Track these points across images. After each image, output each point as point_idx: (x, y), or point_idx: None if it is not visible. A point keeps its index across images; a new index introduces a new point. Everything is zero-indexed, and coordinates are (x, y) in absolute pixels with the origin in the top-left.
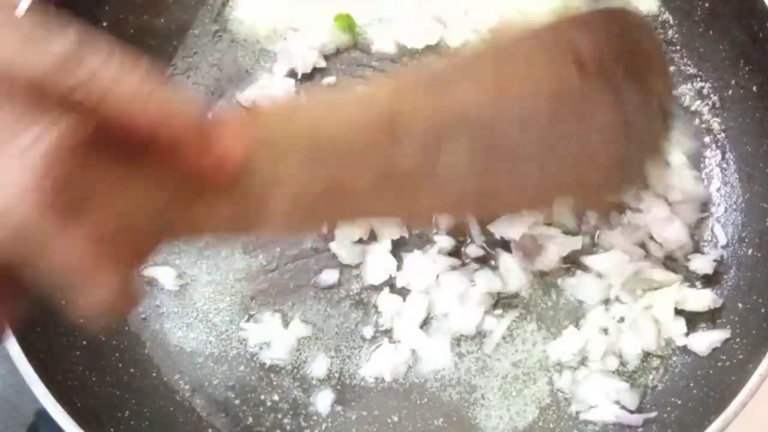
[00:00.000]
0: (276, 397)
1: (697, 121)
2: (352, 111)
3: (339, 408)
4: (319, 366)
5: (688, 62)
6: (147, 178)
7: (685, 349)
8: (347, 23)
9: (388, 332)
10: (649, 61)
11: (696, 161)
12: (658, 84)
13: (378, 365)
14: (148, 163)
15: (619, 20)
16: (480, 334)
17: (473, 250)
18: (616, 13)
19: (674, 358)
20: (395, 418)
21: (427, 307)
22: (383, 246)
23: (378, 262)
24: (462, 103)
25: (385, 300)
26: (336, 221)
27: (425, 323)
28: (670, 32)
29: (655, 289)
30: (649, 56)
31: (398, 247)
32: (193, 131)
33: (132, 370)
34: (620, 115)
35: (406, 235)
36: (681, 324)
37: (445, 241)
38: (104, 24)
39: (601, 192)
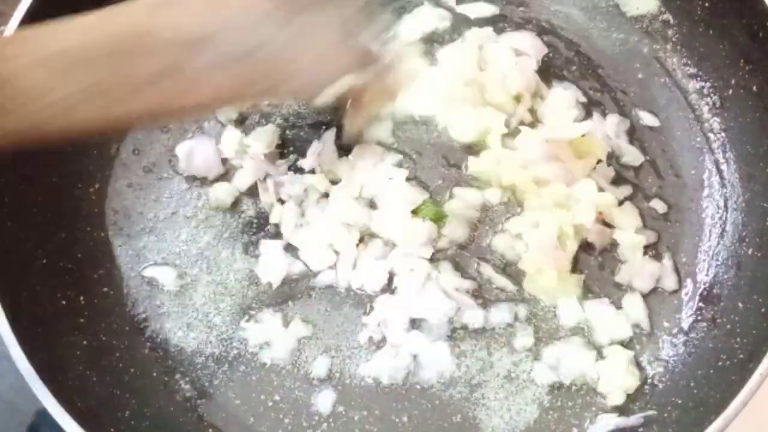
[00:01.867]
0: (277, 397)
1: (697, 121)
2: (109, 26)
3: (340, 408)
4: (319, 366)
5: (688, 62)
6: None
7: (685, 348)
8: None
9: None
10: None
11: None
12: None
13: (377, 368)
14: None
15: None
16: (479, 331)
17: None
18: None
19: (675, 358)
20: (396, 419)
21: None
22: (375, 249)
23: (371, 269)
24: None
25: (380, 304)
26: (110, 120)
27: (419, 325)
28: (670, 32)
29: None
30: None
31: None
32: None
33: (132, 370)
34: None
35: None
36: None
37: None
38: None
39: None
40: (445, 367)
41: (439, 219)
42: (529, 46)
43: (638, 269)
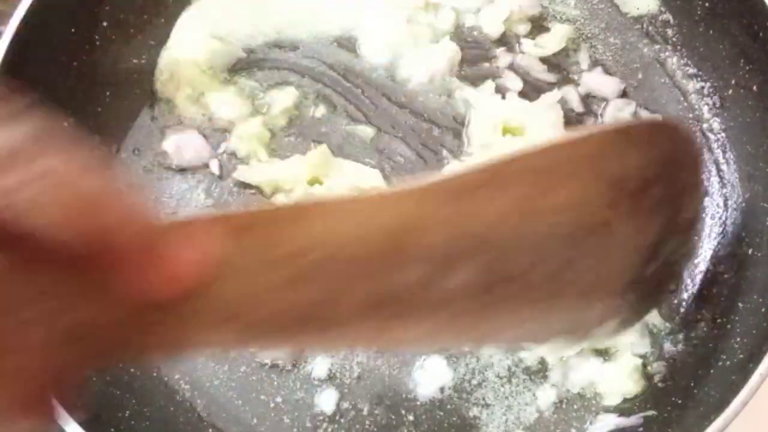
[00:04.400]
0: (278, 398)
1: (697, 121)
2: (357, 219)
3: (343, 406)
4: (320, 366)
5: (688, 62)
6: (83, 293)
7: (685, 348)
8: None
9: None
10: (685, 182)
11: None
12: (688, 206)
13: (378, 370)
14: (80, 277)
15: (666, 136)
16: None
17: None
18: (666, 126)
19: (675, 358)
20: (397, 419)
21: None
22: None
23: None
24: (482, 220)
25: None
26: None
27: None
28: (670, 32)
29: None
30: (686, 176)
31: None
32: (143, 240)
33: (132, 370)
34: (640, 244)
35: None
36: None
37: None
38: (104, 24)
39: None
40: (444, 381)
41: None
42: None
43: None
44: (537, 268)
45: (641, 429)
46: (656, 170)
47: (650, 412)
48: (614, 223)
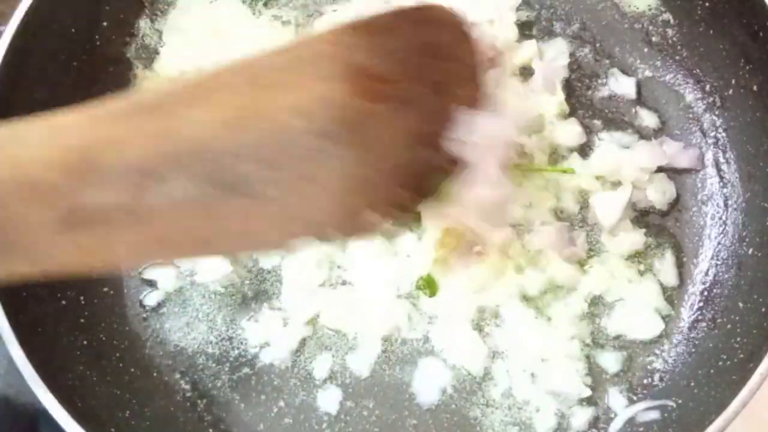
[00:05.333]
0: (278, 397)
1: (697, 121)
2: (27, 148)
3: (347, 405)
4: (320, 365)
5: (689, 62)
6: None
7: (685, 348)
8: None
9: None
10: (463, 70)
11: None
12: (466, 92)
13: (378, 370)
14: None
15: (418, 21)
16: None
17: None
18: (414, 12)
19: (675, 358)
20: (397, 418)
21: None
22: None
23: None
24: (191, 133)
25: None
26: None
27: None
28: (670, 32)
29: None
30: (463, 63)
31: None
32: None
33: (132, 370)
34: (403, 130)
35: None
36: None
37: None
38: (104, 24)
39: (357, 222)
40: (445, 382)
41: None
42: None
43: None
44: (271, 174)
45: (641, 429)
46: (419, 58)
47: (651, 413)
48: (372, 119)
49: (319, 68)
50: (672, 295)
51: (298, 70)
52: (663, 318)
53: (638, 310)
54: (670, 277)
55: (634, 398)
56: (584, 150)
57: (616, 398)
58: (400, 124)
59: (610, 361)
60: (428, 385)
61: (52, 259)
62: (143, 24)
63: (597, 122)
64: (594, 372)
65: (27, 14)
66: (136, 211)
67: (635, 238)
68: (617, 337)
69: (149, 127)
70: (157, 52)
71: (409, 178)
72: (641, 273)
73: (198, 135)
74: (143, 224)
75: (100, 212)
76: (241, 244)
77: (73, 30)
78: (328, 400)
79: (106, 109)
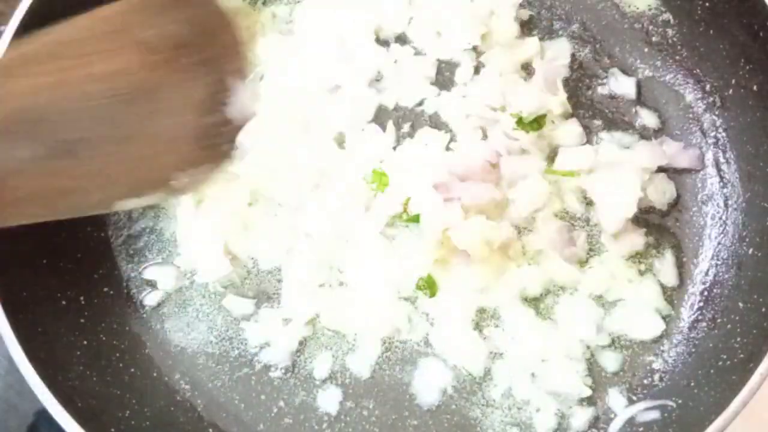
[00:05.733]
0: (277, 396)
1: (697, 121)
2: None
3: (347, 405)
4: (320, 366)
5: (689, 62)
6: None
7: (685, 348)
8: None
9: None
10: (222, 45)
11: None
12: (230, 66)
13: (378, 371)
14: None
15: (184, 4)
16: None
17: None
18: None
19: (675, 358)
20: (397, 419)
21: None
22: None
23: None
24: (26, 96)
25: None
26: None
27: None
28: (670, 32)
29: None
30: (222, 40)
31: None
32: None
33: (132, 370)
34: (190, 98)
35: None
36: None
37: None
38: None
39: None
40: (445, 383)
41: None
42: None
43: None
44: (95, 133)
45: (641, 429)
46: (189, 33)
47: (651, 413)
48: (158, 84)
49: (113, 42)
50: (672, 295)
51: (99, 43)
52: (663, 318)
53: (639, 310)
54: (670, 277)
55: (634, 398)
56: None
57: (616, 398)
58: (187, 91)
59: (610, 360)
60: (428, 385)
61: None
62: None
63: (597, 122)
64: (594, 372)
65: (27, 14)
66: None
67: (635, 238)
68: (618, 337)
69: None
70: None
71: (204, 139)
72: (641, 273)
73: (29, 99)
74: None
75: None
76: (74, 204)
77: None
78: (328, 401)
79: None
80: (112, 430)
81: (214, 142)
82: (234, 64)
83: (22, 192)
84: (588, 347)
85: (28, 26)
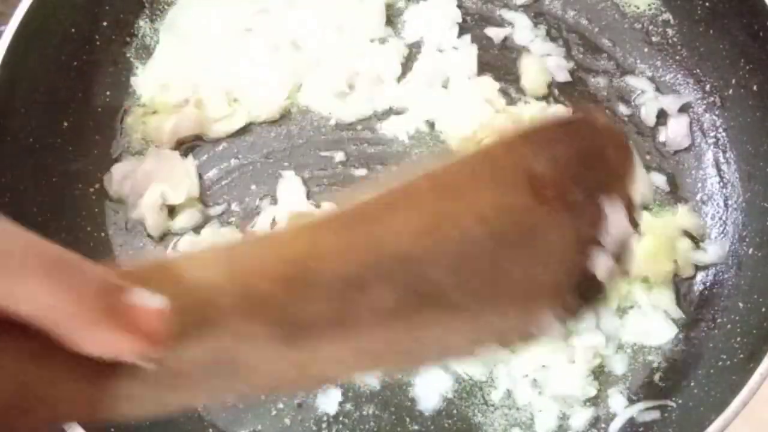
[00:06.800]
0: (281, 403)
1: (697, 121)
2: (246, 264)
3: (346, 407)
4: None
5: (689, 62)
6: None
7: (685, 348)
8: None
9: None
10: (616, 173)
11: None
12: (625, 196)
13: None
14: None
15: (583, 130)
16: None
17: None
18: (580, 121)
19: (675, 358)
20: (397, 423)
21: None
22: None
23: None
24: (389, 242)
25: None
26: (224, 395)
27: None
28: (670, 32)
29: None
30: (616, 167)
31: None
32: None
33: None
34: (572, 245)
35: None
36: None
37: None
38: (104, 24)
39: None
40: (446, 387)
41: None
42: None
43: None
44: (462, 282)
45: (641, 429)
46: (579, 164)
47: (651, 413)
48: (545, 223)
49: (494, 176)
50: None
51: (475, 178)
52: (675, 322)
53: (650, 315)
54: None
55: (634, 398)
56: None
57: (616, 398)
58: (569, 230)
59: (618, 363)
60: (429, 390)
61: (270, 380)
62: (143, 24)
63: None
64: (598, 374)
65: (27, 14)
66: (342, 323)
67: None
68: (626, 341)
69: (354, 238)
70: None
71: (577, 284)
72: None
73: (396, 244)
74: (348, 337)
75: (312, 327)
76: (436, 355)
77: (73, 30)
78: (328, 402)
79: (319, 223)
80: (112, 430)
81: (587, 287)
82: (617, 195)
83: (394, 342)
84: (593, 349)
85: (28, 26)
